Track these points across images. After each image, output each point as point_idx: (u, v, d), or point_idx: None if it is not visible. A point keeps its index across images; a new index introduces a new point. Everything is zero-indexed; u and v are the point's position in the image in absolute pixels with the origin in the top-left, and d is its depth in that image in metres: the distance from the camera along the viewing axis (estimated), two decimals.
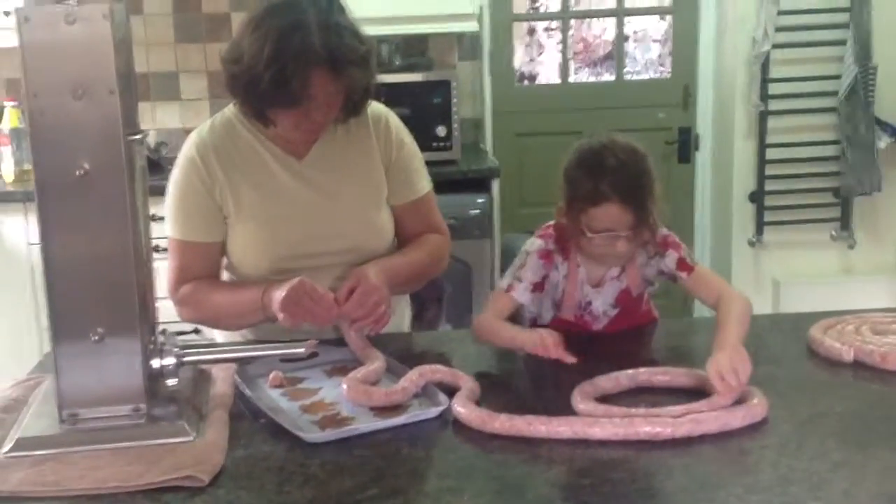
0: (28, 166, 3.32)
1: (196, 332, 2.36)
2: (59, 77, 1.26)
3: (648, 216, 1.61)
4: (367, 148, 1.82)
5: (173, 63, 3.74)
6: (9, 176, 3.34)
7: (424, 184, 1.90)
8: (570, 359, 1.50)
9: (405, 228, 1.88)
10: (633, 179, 1.60)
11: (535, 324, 1.82)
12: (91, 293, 1.32)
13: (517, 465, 1.26)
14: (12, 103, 3.35)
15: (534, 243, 1.74)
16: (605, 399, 1.43)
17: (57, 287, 1.32)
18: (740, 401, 1.38)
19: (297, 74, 1.58)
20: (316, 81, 1.61)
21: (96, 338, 1.32)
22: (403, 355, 1.63)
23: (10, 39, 3.76)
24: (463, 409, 1.37)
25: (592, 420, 1.33)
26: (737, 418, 1.33)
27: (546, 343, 1.52)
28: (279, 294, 1.62)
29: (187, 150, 1.78)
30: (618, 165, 1.60)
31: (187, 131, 1.80)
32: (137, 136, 1.35)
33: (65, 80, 1.26)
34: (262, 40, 1.59)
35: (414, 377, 1.47)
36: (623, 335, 1.77)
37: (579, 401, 1.40)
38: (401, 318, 1.96)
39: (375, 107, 1.83)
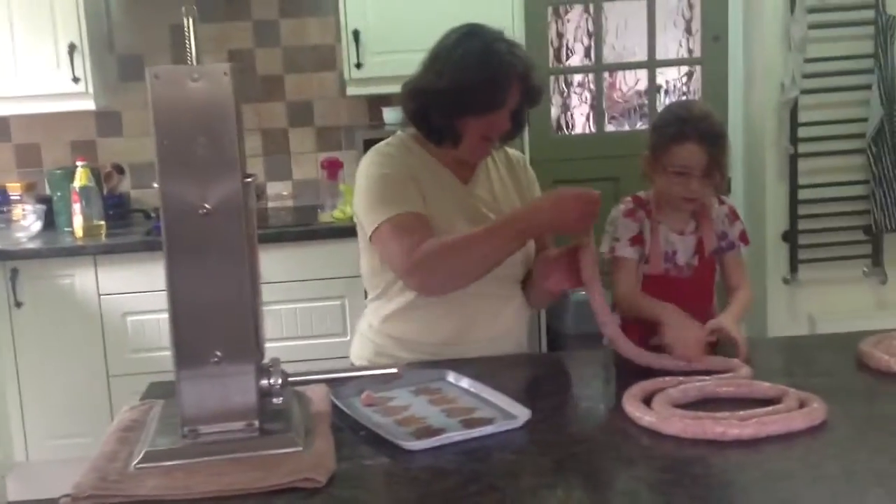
0: (97, 221, 3.52)
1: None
2: (185, 127, 1.43)
3: (719, 165, 1.92)
4: (514, 178, 2.13)
5: None
6: (79, 231, 3.48)
7: None
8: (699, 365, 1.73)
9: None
10: (713, 128, 1.93)
11: None
12: (210, 320, 1.47)
13: (602, 461, 1.40)
14: (82, 163, 3.53)
15: (617, 209, 2.06)
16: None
17: (180, 315, 1.47)
18: (801, 405, 1.50)
19: (502, 80, 1.87)
20: (513, 89, 1.89)
21: (215, 359, 1.47)
22: None
23: (77, 104, 3.91)
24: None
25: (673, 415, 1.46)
26: (798, 420, 1.45)
27: (688, 350, 1.75)
28: (567, 190, 1.81)
29: (383, 148, 2.01)
30: (701, 115, 1.95)
31: None
32: (249, 179, 1.51)
33: (189, 130, 1.43)
34: (464, 58, 1.88)
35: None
36: None
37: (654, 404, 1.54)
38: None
39: (513, 151, 2.16)
